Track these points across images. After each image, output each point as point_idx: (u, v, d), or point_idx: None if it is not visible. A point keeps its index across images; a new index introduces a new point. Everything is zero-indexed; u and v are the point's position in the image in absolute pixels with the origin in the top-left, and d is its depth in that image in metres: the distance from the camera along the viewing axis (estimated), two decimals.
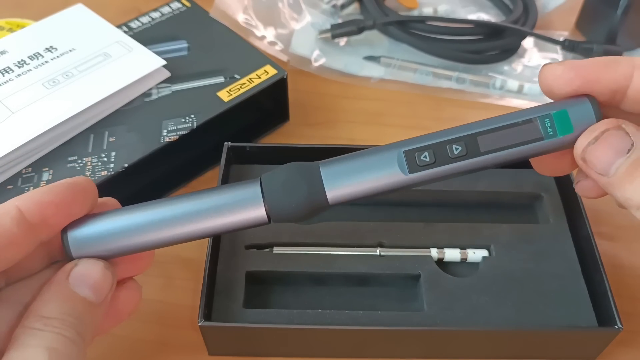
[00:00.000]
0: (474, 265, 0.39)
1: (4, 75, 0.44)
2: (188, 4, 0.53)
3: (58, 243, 0.29)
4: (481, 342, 0.36)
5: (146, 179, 0.44)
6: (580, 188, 0.33)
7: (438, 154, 0.29)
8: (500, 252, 0.39)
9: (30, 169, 0.40)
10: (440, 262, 0.39)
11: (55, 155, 0.41)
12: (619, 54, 0.55)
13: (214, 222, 0.30)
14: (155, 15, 0.52)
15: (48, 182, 0.39)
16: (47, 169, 0.40)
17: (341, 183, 0.30)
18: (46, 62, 0.45)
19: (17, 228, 0.27)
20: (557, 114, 0.29)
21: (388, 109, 0.53)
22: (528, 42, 0.58)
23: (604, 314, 0.35)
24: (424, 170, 0.29)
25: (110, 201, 0.32)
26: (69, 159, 0.41)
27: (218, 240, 0.38)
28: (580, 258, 0.38)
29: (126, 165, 0.40)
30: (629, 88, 0.28)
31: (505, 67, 0.56)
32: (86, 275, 0.28)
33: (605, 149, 0.28)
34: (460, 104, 0.54)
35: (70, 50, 0.46)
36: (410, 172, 0.29)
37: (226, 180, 0.41)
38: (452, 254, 0.39)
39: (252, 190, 0.30)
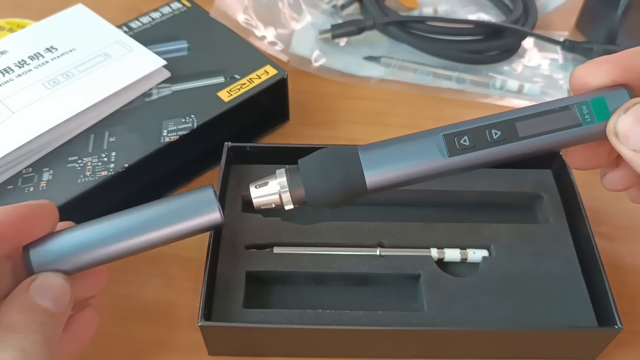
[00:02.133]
0: (474, 265, 0.39)
1: (4, 75, 0.44)
2: (188, 4, 0.53)
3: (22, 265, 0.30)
4: (481, 342, 0.36)
5: (146, 179, 0.44)
6: (607, 181, 0.33)
7: (477, 138, 0.30)
8: (500, 252, 0.39)
9: (30, 169, 0.40)
10: (440, 262, 0.39)
11: (55, 155, 0.41)
12: None
13: (162, 232, 0.31)
14: (156, 15, 0.52)
15: (48, 182, 0.39)
16: (47, 169, 0.40)
17: (380, 168, 0.30)
18: (46, 62, 0.45)
19: None
20: (594, 101, 0.29)
21: (388, 109, 0.53)
22: (528, 42, 0.59)
23: (604, 314, 0.35)
24: (464, 154, 0.30)
25: (69, 224, 0.33)
26: (69, 159, 0.41)
27: (218, 240, 0.38)
28: (580, 258, 0.38)
29: (126, 165, 0.40)
30: None
31: (505, 67, 0.56)
32: (46, 286, 0.29)
33: (638, 119, 0.27)
34: (460, 104, 0.54)
35: (70, 51, 0.46)
36: (450, 155, 0.30)
37: (226, 180, 0.41)
38: (452, 254, 0.39)
39: (205, 195, 0.32)
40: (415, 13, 0.61)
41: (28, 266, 0.30)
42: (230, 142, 0.42)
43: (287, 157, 0.41)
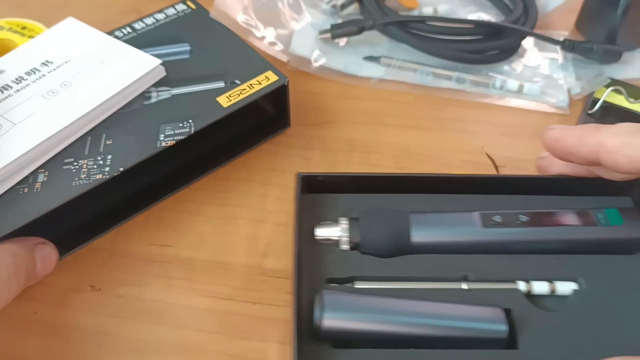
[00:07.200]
0: (562, 298, 0.36)
1: (2, 93, 0.44)
2: (193, 6, 0.53)
3: None
4: None
5: (142, 183, 0.44)
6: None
7: (507, 218, 0.37)
8: (590, 285, 0.36)
9: None
10: (528, 296, 0.36)
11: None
12: (619, 54, 0.55)
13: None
14: (160, 16, 0.52)
15: (43, 183, 0.39)
16: (43, 170, 0.40)
17: (425, 229, 0.37)
18: (43, 75, 0.45)
19: None
20: (608, 210, 0.38)
21: (388, 109, 0.53)
22: (528, 42, 0.58)
23: None
24: (495, 228, 0.37)
25: None
26: (65, 161, 0.40)
27: (300, 276, 0.36)
28: None
29: (121, 169, 0.40)
30: (599, 160, 0.34)
31: (505, 67, 0.56)
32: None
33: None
34: (460, 104, 0.54)
35: (65, 62, 0.46)
36: (484, 226, 0.37)
37: (301, 212, 0.39)
38: (540, 287, 0.36)
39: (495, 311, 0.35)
40: (415, 13, 0.61)
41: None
42: (302, 172, 0.40)
43: (361, 185, 0.41)
